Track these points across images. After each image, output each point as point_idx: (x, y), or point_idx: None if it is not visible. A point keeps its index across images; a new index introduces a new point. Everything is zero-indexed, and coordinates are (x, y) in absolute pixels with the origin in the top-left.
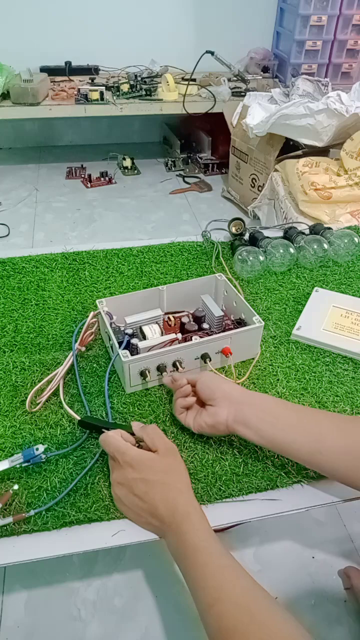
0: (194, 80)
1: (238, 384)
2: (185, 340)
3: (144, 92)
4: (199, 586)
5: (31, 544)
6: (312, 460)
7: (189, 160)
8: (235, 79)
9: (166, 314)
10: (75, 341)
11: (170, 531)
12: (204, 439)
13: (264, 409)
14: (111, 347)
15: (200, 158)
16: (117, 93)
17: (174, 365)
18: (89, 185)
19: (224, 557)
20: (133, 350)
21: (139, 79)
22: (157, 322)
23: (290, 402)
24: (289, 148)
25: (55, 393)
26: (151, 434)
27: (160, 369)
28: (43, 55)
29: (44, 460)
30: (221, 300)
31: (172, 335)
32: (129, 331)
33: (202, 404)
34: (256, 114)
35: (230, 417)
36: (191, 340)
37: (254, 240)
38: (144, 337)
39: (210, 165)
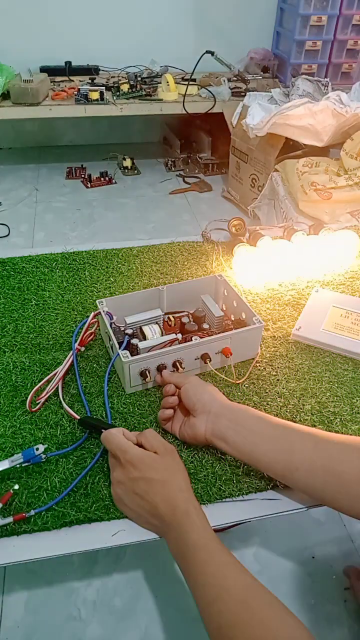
0: (194, 80)
1: (238, 384)
2: (185, 340)
3: (144, 92)
4: (199, 584)
5: (31, 544)
6: (286, 475)
7: (189, 160)
8: (235, 79)
9: (166, 314)
10: (75, 341)
11: (171, 530)
12: None
13: (241, 423)
14: (111, 347)
15: (200, 158)
16: (117, 93)
17: (174, 365)
18: (89, 185)
19: (224, 555)
20: (133, 350)
21: (139, 79)
22: (157, 322)
23: (270, 416)
24: (289, 148)
25: (55, 393)
26: (149, 437)
27: (160, 369)
28: (43, 55)
29: (44, 460)
30: (221, 300)
31: (172, 336)
32: (129, 331)
33: (187, 411)
34: (256, 114)
35: (208, 431)
36: (191, 340)
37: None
38: (144, 337)
39: (210, 165)
